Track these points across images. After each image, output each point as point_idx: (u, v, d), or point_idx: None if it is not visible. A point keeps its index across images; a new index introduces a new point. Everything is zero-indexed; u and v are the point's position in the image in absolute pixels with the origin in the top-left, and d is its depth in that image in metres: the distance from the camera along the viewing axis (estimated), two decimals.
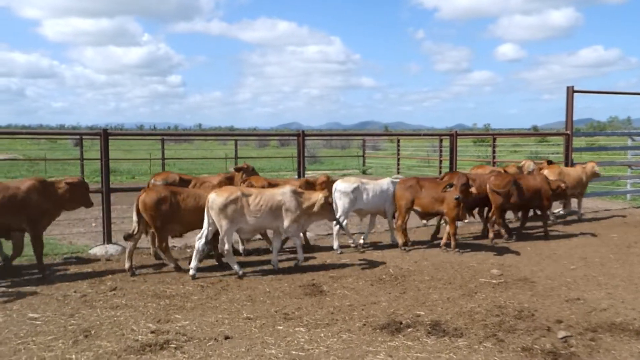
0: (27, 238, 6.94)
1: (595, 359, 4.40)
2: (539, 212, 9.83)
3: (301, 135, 9.83)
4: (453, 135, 11.41)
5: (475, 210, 9.63)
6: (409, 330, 4.95)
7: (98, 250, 8.05)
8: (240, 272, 6.74)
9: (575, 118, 12.71)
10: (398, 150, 23.04)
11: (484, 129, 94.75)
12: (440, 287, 6.33)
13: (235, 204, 6.64)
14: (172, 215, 6.83)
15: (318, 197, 6.97)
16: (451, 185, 7.79)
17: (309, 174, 12.25)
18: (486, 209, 9.48)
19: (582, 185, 11.00)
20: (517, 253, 8.14)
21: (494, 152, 16.65)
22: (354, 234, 9.31)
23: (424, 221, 9.42)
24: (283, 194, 6.91)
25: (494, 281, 6.59)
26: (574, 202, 11.63)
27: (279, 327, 5.00)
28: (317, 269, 7.08)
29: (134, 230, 6.93)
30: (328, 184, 8.35)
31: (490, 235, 8.95)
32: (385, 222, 9.25)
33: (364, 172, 22.94)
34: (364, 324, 5.08)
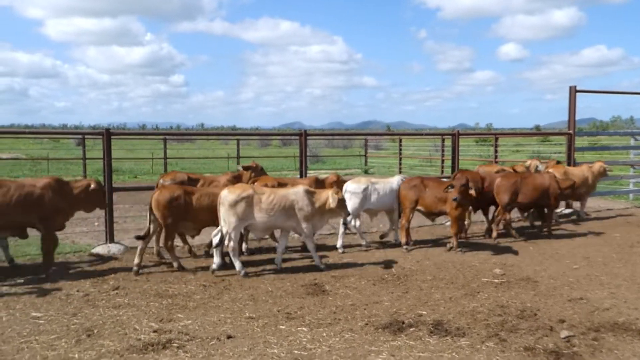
0: (25, 238, 6.97)
1: (598, 358, 4.39)
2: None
3: (303, 135, 9.82)
4: (455, 135, 11.40)
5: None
6: (412, 329, 4.95)
7: (100, 250, 8.06)
8: (243, 272, 6.75)
9: (577, 118, 12.68)
10: (400, 149, 23.02)
11: (486, 129, 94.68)
12: (443, 287, 6.33)
13: (247, 201, 6.69)
14: (184, 213, 6.89)
15: (329, 194, 6.98)
16: (453, 187, 7.80)
17: (311, 174, 12.24)
18: (492, 207, 9.47)
19: (587, 185, 10.91)
20: (520, 253, 8.13)
21: (496, 151, 16.63)
22: (354, 234, 9.32)
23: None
24: (296, 193, 6.92)
25: (496, 281, 6.58)
26: (576, 201, 11.60)
27: (281, 327, 5.01)
28: (319, 269, 7.08)
29: (147, 231, 7.03)
30: (338, 183, 8.36)
31: (494, 234, 8.94)
32: (386, 221, 9.25)
33: (366, 172, 22.93)
34: (367, 324, 5.08)
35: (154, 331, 4.87)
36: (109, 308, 5.52)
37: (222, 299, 5.85)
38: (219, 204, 6.75)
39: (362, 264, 7.39)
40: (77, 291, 6.09)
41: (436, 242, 8.94)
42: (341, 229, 8.29)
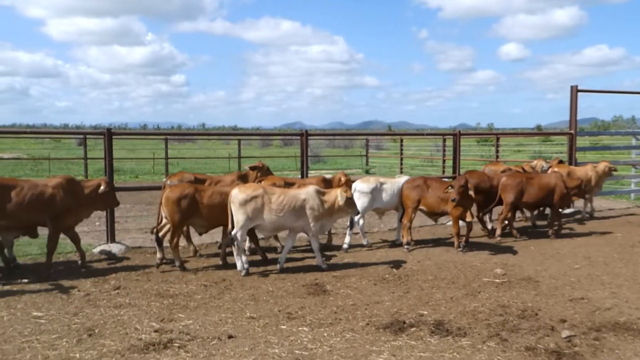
0: (28, 238, 6.98)
1: (599, 358, 4.39)
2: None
3: (304, 135, 9.83)
4: (456, 135, 11.39)
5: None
6: (413, 329, 4.94)
7: (102, 249, 8.06)
8: (244, 272, 6.76)
9: (579, 117, 12.67)
10: (401, 149, 22.99)
11: (487, 129, 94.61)
12: (444, 287, 6.33)
13: (257, 201, 6.71)
14: (194, 211, 6.93)
15: (337, 193, 6.98)
16: (452, 187, 7.81)
17: (312, 174, 12.24)
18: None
19: (590, 185, 10.89)
20: (521, 252, 8.13)
21: (497, 151, 16.61)
22: (356, 233, 9.32)
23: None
24: (307, 193, 6.94)
25: (497, 281, 6.58)
26: (578, 202, 11.59)
27: (282, 327, 5.01)
28: (320, 269, 7.08)
29: (161, 225, 7.18)
30: (347, 182, 8.37)
31: (498, 231, 8.98)
32: (387, 221, 9.26)
33: (367, 172, 22.91)
34: (368, 324, 5.08)
35: (155, 331, 4.87)
36: (110, 308, 5.53)
37: (223, 299, 5.85)
38: (230, 202, 6.79)
39: (363, 264, 7.39)
40: (78, 291, 6.10)
41: (437, 242, 8.94)
42: (349, 228, 8.37)
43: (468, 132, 21.83)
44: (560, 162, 11.48)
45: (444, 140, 18.91)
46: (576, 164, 12.07)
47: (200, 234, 7.58)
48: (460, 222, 8.19)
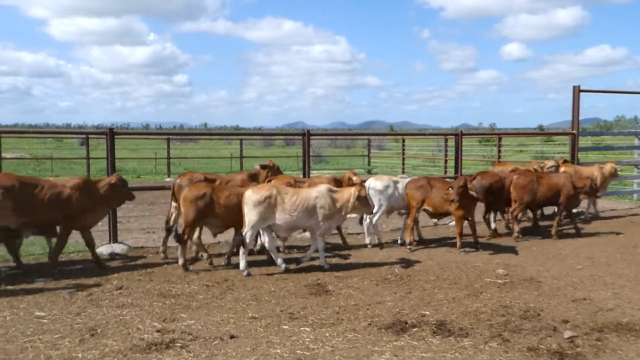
0: (28, 239, 6.98)
1: (602, 359, 4.38)
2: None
3: (306, 135, 9.83)
4: (458, 135, 11.39)
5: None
6: (415, 330, 4.94)
7: (104, 249, 8.07)
8: (246, 272, 6.76)
9: (581, 117, 12.65)
10: (403, 149, 22.99)
11: (489, 129, 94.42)
12: (446, 287, 6.32)
13: (270, 202, 6.75)
14: (210, 212, 6.97)
15: (351, 192, 6.99)
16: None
17: (314, 174, 12.24)
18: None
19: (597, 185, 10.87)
20: (523, 253, 8.12)
21: (499, 151, 16.60)
22: (358, 233, 9.32)
23: (435, 220, 9.42)
24: (319, 192, 6.96)
25: (499, 281, 6.57)
26: (583, 202, 11.57)
27: (284, 327, 5.01)
28: (322, 269, 7.08)
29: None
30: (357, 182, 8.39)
31: (516, 227, 9.10)
32: (388, 221, 9.26)
33: (369, 172, 22.92)
34: (369, 324, 5.07)
35: (157, 331, 4.88)
36: (112, 308, 5.53)
37: (225, 299, 5.86)
38: (244, 203, 6.81)
39: (365, 264, 7.39)
40: (81, 291, 6.10)
41: (439, 243, 8.94)
42: (366, 226, 8.54)
43: (470, 132, 21.81)
44: (565, 161, 11.47)
45: (446, 140, 18.90)
46: (578, 164, 12.05)
47: (215, 235, 7.60)
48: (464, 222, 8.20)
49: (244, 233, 6.80)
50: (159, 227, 10.20)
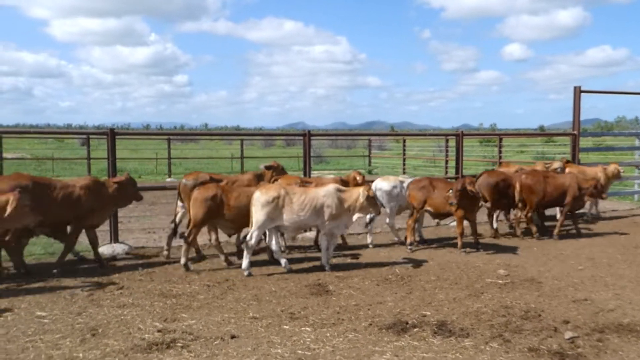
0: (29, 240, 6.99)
1: (603, 359, 4.38)
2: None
3: (307, 135, 9.83)
4: (459, 135, 11.39)
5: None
6: (415, 330, 4.94)
7: (105, 249, 8.07)
8: (247, 272, 6.77)
9: (582, 118, 12.65)
10: (404, 150, 23.00)
11: (490, 129, 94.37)
12: (447, 287, 6.32)
13: (278, 202, 6.76)
14: (218, 213, 6.99)
15: (359, 192, 7.00)
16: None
17: (315, 174, 12.24)
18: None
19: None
20: (524, 253, 8.12)
21: (500, 152, 16.60)
22: (359, 233, 9.33)
23: (437, 220, 9.44)
24: (326, 191, 6.97)
25: (500, 281, 6.57)
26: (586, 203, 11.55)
27: (285, 327, 5.01)
28: (323, 269, 7.08)
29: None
30: (363, 181, 8.40)
31: (534, 229, 9.19)
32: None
33: (369, 172, 22.92)
34: (370, 324, 5.08)
35: (158, 331, 4.88)
36: (113, 307, 5.54)
37: (226, 299, 5.86)
38: (252, 204, 6.83)
39: (366, 264, 7.39)
40: (82, 290, 6.11)
41: (440, 243, 8.94)
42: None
43: (471, 133, 21.82)
44: (567, 162, 11.48)
45: (447, 140, 18.91)
46: (579, 165, 12.05)
47: (230, 235, 7.67)
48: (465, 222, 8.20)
49: (250, 233, 6.81)
50: (160, 227, 10.21)
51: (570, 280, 6.67)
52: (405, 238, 8.41)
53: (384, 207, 8.36)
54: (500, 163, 15.87)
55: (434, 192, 8.20)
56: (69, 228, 7.13)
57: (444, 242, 8.96)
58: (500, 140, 17.37)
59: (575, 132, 12.49)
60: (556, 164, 10.86)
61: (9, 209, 5.79)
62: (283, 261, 7.01)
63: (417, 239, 8.86)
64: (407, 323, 5.09)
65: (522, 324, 5.10)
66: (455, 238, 8.34)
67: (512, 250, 8.34)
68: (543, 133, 41.79)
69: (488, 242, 8.89)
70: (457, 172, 11.19)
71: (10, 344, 4.56)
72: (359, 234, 9.31)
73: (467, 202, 7.87)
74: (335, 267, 7.20)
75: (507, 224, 10.08)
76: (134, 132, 21.16)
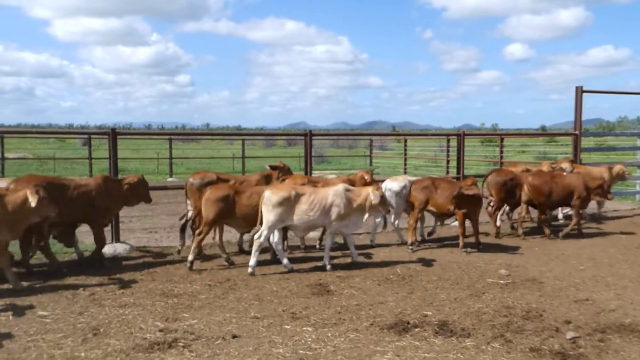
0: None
1: (604, 359, 4.39)
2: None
3: (309, 135, 9.83)
4: (460, 135, 11.38)
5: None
6: (417, 330, 4.94)
7: (106, 249, 8.07)
8: (250, 270, 6.79)
9: (584, 118, 12.65)
10: (405, 150, 22.98)
11: (491, 129, 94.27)
12: (448, 287, 6.32)
13: (289, 203, 6.79)
14: (230, 213, 7.05)
15: (368, 192, 7.01)
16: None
17: (316, 174, 12.25)
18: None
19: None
20: (525, 253, 8.12)
21: (501, 152, 16.58)
22: (360, 233, 9.32)
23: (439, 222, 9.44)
24: (335, 191, 6.99)
25: (501, 281, 6.56)
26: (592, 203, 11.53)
27: (286, 327, 5.01)
28: (324, 269, 7.08)
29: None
30: (371, 180, 8.40)
31: (547, 231, 9.22)
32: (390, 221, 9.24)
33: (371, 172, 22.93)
34: (372, 324, 5.08)
35: (160, 330, 4.89)
36: (115, 307, 5.54)
37: (228, 299, 5.86)
38: (261, 203, 6.86)
39: (367, 264, 7.39)
40: (84, 290, 6.12)
41: (441, 243, 8.93)
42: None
43: (472, 133, 21.82)
44: (570, 161, 11.48)
45: (448, 140, 18.90)
46: (582, 165, 12.04)
47: (242, 234, 7.78)
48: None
49: (260, 232, 6.84)
50: (161, 227, 10.23)
51: (572, 280, 6.67)
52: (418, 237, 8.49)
53: (393, 208, 8.38)
54: (501, 163, 15.88)
55: (437, 192, 8.20)
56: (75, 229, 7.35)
57: (445, 242, 8.96)
58: (502, 140, 17.36)
59: (577, 132, 12.49)
60: (563, 164, 10.86)
61: (28, 201, 5.97)
62: (285, 261, 7.02)
63: (419, 238, 8.86)
64: (408, 323, 5.09)
65: (524, 324, 5.10)
66: (456, 238, 8.34)
67: (514, 250, 8.33)
68: (545, 133, 41.76)
69: (489, 242, 8.88)
70: (458, 172, 11.19)
71: (13, 344, 4.57)
72: (360, 233, 9.30)
73: (469, 203, 7.86)
74: (337, 267, 7.20)
75: (509, 223, 10.07)
76: (135, 132, 21.19)
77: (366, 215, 7.17)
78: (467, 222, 8.18)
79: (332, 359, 4.33)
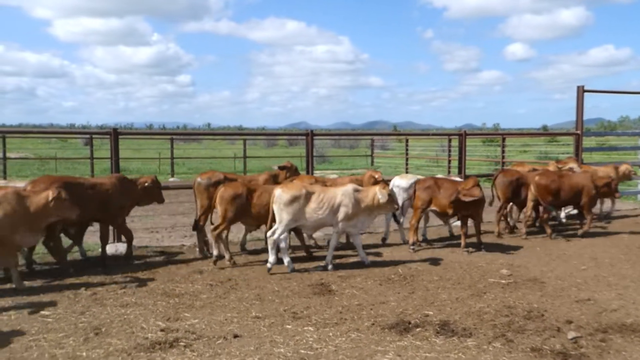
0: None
1: (606, 359, 4.38)
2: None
3: (310, 135, 9.83)
4: (462, 135, 11.37)
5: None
6: (418, 330, 4.94)
7: (108, 249, 8.08)
8: (269, 265, 6.87)
9: (585, 118, 12.62)
10: (406, 150, 22.97)
11: (493, 129, 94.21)
12: (449, 287, 6.32)
13: (299, 201, 6.84)
14: (246, 210, 7.18)
15: (375, 191, 7.04)
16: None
17: (317, 174, 12.24)
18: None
19: None
20: (527, 253, 8.11)
21: (503, 152, 16.57)
22: (362, 233, 9.31)
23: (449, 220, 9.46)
24: (344, 191, 7.02)
25: (503, 281, 6.56)
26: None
27: (287, 326, 5.02)
28: (326, 268, 7.08)
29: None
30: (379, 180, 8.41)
31: (549, 231, 9.22)
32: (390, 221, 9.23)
33: None
34: (373, 324, 5.08)
35: (161, 330, 4.89)
36: (116, 307, 5.55)
37: (229, 299, 5.87)
38: (272, 202, 6.92)
39: (369, 264, 7.38)
40: (85, 290, 6.13)
41: (443, 243, 8.93)
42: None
43: (474, 133, 21.79)
44: (577, 161, 11.47)
45: (450, 140, 18.88)
46: (586, 164, 12.02)
47: (250, 231, 7.92)
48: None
49: (274, 231, 6.89)
50: (163, 226, 10.25)
51: (573, 280, 6.67)
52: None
53: (399, 206, 8.39)
54: (503, 163, 15.86)
55: (439, 192, 8.19)
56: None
57: (447, 242, 8.95)
58: (503, 140, 17.34)
59: (578, 131, 12.47)
60: (571, 164, 10.85)
61: (49, 202, 6.08)
62: (286, 260, 7.03)
63: (420, 238, 8.86)
64: (409, 323, 5.09)
65: (525, 324, 5.10)
66: (458, 238, 8.34)
67: (515, 250, 8.33)
68: (546, 133, 41.71)
69: (491, 242, 8.88)
70: (459, 172, 11.17)
71: (14, 343, 4.58)
72: (362, 233, 9.29)
73: (471, 203, 7.85)
74: (338, 267, 7.20)
75: (512, 222, 10.07)
76: (136, 132, 21.17)
77: (373, 216, 7.22)
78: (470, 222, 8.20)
79: (334, 359, 4.33)
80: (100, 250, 7.60)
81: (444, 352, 4.45)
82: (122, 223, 7.51)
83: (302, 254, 8.03)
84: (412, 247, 8.26)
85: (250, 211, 7.20)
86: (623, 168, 11.08)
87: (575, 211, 11.69)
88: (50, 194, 6.10)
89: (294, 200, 6.83)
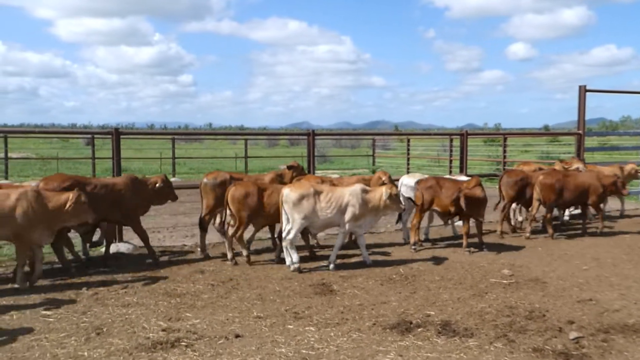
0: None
1: None
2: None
3: (311, 135, 9.84)
4: (463, 135, 11.37)
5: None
6: (419, 330, 4.94)
7: (110, 249, 8.08)
8: (296, 266, 6.91)
9: (587, 117, 12.60)
10: (408, 149, 22.95)
11: (494, 129, 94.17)
12: (451, 287, 6.31)
13: (308, 199, 6.86)
14: (258, 208, 7.20)
15: (382, 191, 7.06)
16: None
17: (319, 174, 12.24)
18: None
19: None
20: (529, 253, 8.10)
21: (504, 151, 16.55)
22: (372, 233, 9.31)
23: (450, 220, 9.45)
24: (352, 191, 7.04)
25: (504, 281, 6.55)
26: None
27: (289, 326, 5.02)
28: (327, 268, 7.08)
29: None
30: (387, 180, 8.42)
31: (550, 231, 9.21)
32: (391, 221, 9.24)
33: (373, 172, 22.91)
34: (374, 324, 5.08)
35: (163, 330, 4.89)
36: (118, 307, 5.55)
37: (230, 298, 5.87)
38: (282, 202, 6.94)
39: (370, 264, 7.37)
40: (87, 289, 6.13)
41: (444, 243, 8.92)
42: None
43: (475, 132, 21.77)
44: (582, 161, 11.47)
45: (451, 140, 18.86)
46: (592, 164, 12.02)
47: (257, 231, 7.97)
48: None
49: (289, 231, 6.90)
50: (164, 226, 10.25)
51: (575, 280, 6.65)
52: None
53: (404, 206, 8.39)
54: (504, 163, 15.84)
55: (441, 192, 8.18)
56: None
57: (449, 242, 8.94)
58: (505, 139, 17.32)
59: (580, 131, 12.45)
60: (576, 164, 10.84)
61: (68, 205, 6.14)
62: (288, 260, 7.03)
63: (422, 238, 8.85)
64: (411, 323, 5.08)
65: (527, 324, 5.09)
66: (460, 237, 8.33)
67: (517, 250, 8.32)
68: (548, 132, 41.66)
69: (492, 242, 8.86)
70: (461, 172, 11.16)
71: (16, 343, 4.58)
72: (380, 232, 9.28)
73: (473, 203, 7.84)
74: (339, 266, 7.20)
75: (514, 221, 10.06)
76: (138, 132, 21.16)
77: (379, 216, 7.24)
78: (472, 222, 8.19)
79: (335, 359, 4.33)
80: (100, 250, 7.61)
81: (446, 352, 4.45)
82: (137, 223, 7.49)
83: (304, 254, 8.02)
84: (413, 247, 8.25)
85: (262, 210, 7.23)
86: (629, 167, 11.13)
87: (577, 211, 11.69)
88: (71, 196, 6.16)
89: (302, 199, 6.85)
